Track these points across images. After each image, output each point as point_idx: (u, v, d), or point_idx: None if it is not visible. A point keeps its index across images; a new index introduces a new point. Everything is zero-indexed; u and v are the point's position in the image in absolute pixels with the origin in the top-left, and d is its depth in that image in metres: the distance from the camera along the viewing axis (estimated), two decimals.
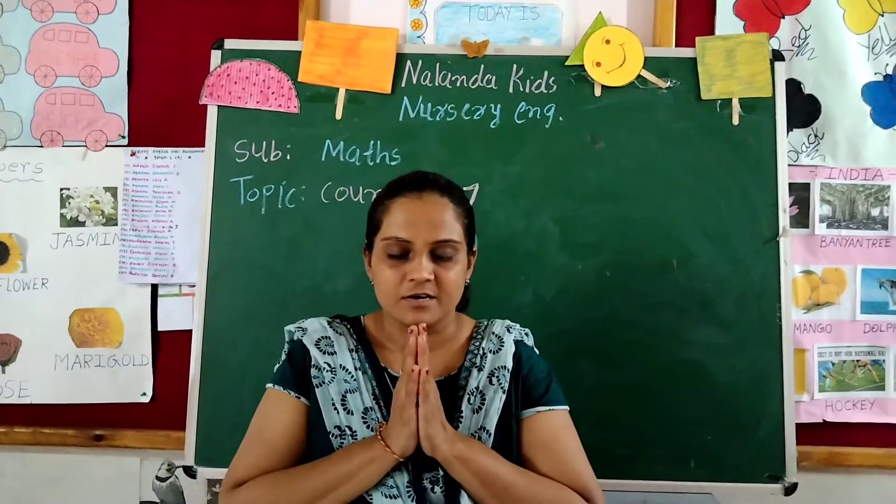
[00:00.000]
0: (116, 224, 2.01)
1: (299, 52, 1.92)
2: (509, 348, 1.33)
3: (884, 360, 1.99)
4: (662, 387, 1.84)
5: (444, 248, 1.24)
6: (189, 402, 1.85)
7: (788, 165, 1.89)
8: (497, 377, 1.30)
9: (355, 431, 1.25)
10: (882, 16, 1.96)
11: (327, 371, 1.28)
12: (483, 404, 1.27)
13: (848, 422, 1.98)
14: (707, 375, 1.85)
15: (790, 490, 1.82)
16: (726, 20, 1.98)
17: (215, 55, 1.93)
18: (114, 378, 2.01)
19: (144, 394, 2.01)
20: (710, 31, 1.97)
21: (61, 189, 2.02)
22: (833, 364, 1.98)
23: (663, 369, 1.85)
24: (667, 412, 1.84)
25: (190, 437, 1.85)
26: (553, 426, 1.29)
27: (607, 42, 1.89)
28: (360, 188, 1.90)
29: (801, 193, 1.97)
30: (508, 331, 1.37)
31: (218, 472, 1.82)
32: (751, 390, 1.84)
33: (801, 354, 1.95)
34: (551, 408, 1.30)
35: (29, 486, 2.05)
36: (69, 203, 2.02)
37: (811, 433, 1.95)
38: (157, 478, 1.67)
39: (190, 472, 1.85)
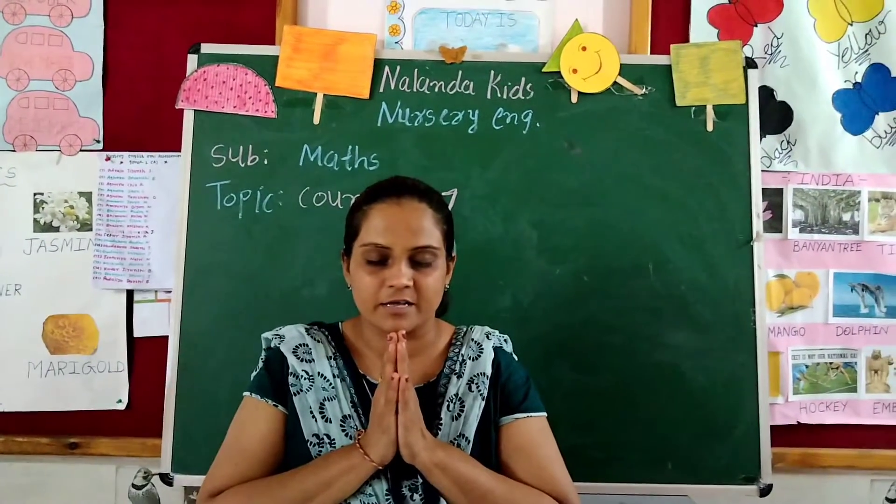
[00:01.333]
0: (91, 229, 1.99)
1: (277, 57, 1.91)
2: (488, 355, 1.33)
3: (856, 363, 2.02)
4: (639, 390, 1.86)
5: (423, 254, 1.24)
6: (165, 409, 1.84)
7: (762, 171, 1.92)
8: (476, 384, 1.30)
9: (333, 439, 1.24)
10: (851, 25, 1.99)
11: (305, 379, 1.28)
12: (462, 411, 1.28)
13: (821, 423, 2.01)
14: (683, 379, 1.87)
15: (765, 491, 1.84)
16: (700, 28, 2.00)
17: (192, 59, 1.92)
18: (89, 385, 1.99)
19: (120, 401, 1.99)
20: (685, 38, 2.00)
21: (35, 194, 2.00)
22: (807, 367, 2.01)
23: (640, 373, 1.86)
24: (643, 415, 1.86)
25: (166, 444, 1.83)
26: (531, 433, 1.30)
27: (584, 49, 1.91)
28: (339, 193, 1.89)
29: (774, 198, 2.00)
30: (488, 337, 1.37)
31: (195, 480, 1.81)
32: (726, 393, 1.86)
33: (775, 357, 1.98)
34: (529, 415, 1.30)
35: (1, 496, 2.02)
36: (43, 208, 2.00)
37: (786, 435, 1.98)
38: (134, 486, 1.65)
39: (166, 480, 1.83)
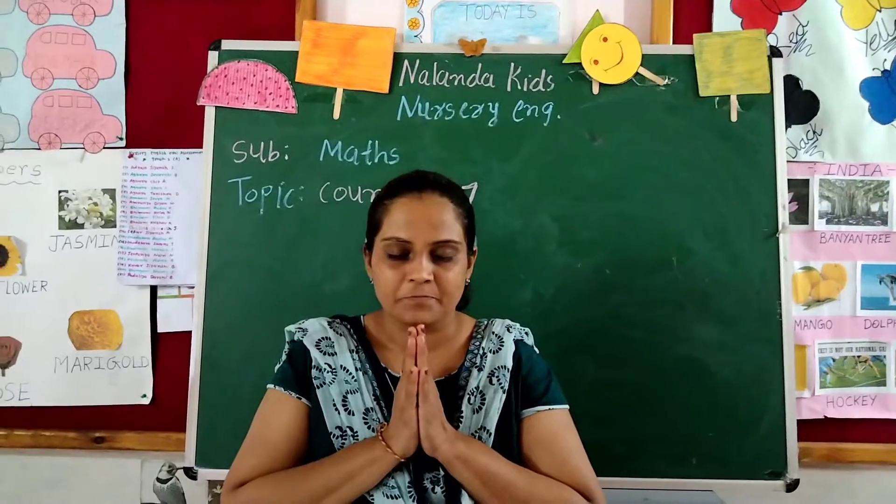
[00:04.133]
0: (115, 226, 2.01)
1: (296, 53, 1.92)
2: (509, 348, 1.33)
3: (884, 356, 1.98)
4: (663, 384, 1.84)
5: (444, 249, 1.24)
6: (189, 404, 1.85)
7: (787, 162, 1.89)
8: (497, 377, 1.30)
9: (356, 432, 1.25)
10: (880, 11, 1.95)
11: (328, 372, 1.28)
12: (483, 404, 1.28)
13: (849, 418, 1.98)
14: (708, 372, 1.85)
15: (792, 486, 1.82)
16: (724, 17, 1.97)
17: (212, 56, 1.93)
18: (114, 380, 2.01)
19: (144, 395, 2.01)
20: (708, 27, 1.97)
21: (59, 191, 2.02)
22: (834, 360, 1.98)
23: (663, 367, 1.85)
24: (667, 409, 1.84)
25: (190, 438, 1.85)
26: (553, 425, 1.29)
27: (605, 40, 1.89)
28: (359, 188, 1.90)
29: (800, 189, 1.97)
30: (508, 330, 1.37)
31: (219, 473, 1.82)
32: (752, 387, 1.84)
33: (801, 350, 1.95)
34: (551, 407, 1.30)
35: (29, 489, 2.05)
36: (67, 205, 2.02)
37: (812, 429, 1.95)
38: (158, 479, 1.67)
39: (191, 474, 1.84)
